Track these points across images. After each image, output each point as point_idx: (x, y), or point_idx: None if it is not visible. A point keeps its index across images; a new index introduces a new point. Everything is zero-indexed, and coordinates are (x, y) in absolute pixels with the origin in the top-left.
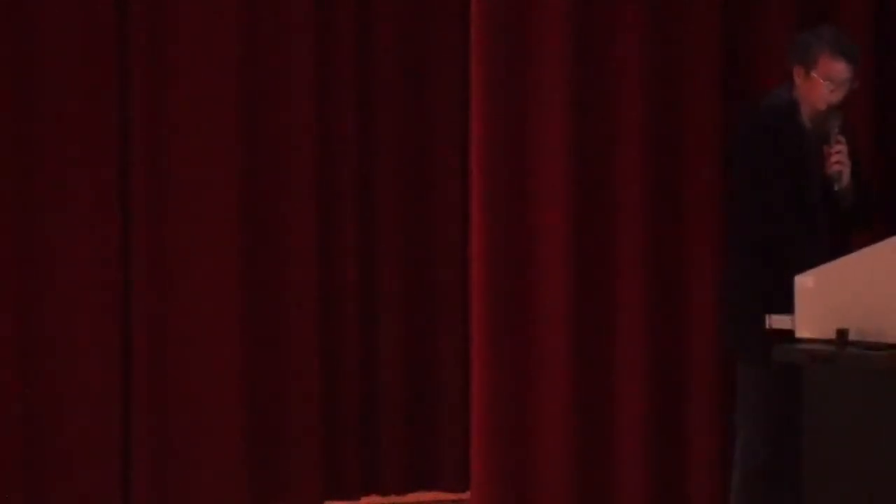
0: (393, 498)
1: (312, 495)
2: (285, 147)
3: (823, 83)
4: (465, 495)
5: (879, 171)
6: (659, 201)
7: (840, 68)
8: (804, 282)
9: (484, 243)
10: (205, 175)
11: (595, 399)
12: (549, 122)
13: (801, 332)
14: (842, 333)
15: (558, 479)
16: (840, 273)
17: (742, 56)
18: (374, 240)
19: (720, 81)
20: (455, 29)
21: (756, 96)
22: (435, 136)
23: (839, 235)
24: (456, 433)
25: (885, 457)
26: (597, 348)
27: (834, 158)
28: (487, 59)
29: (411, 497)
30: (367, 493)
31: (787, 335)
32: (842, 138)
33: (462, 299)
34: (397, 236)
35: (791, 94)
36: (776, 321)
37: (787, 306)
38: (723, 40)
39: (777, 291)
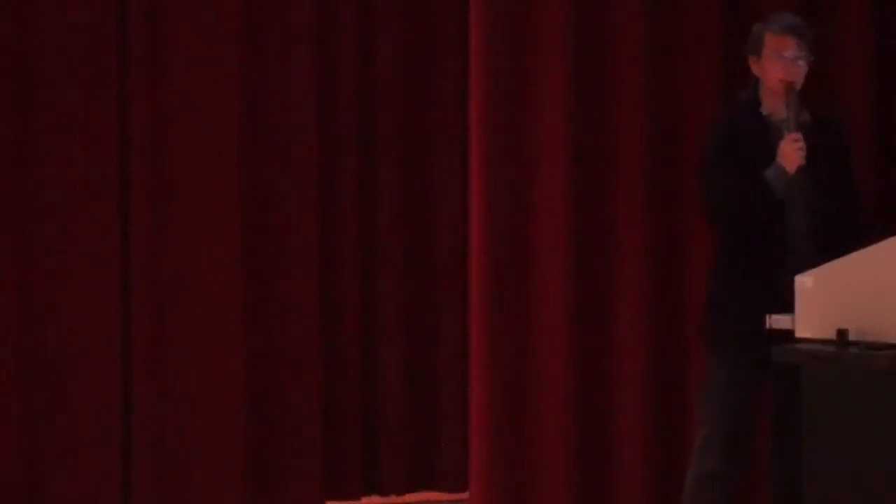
0: (393, 498)
1: (312, 495)
2: (285, 147)
3: (773, 61)
4: (465, 495)
5: (880, 171)
6: (659, 201)
7: (786, 42)
8: (804, 282)
9: (484, 243)
10: (205, 175)
11: (595, 399)
12: (549, 122)
13: (801, 332)
14: (842, 333)
15: (558, 479)
16: (840, 273)
17: (742, 55)
18: (375, 240)
19: (721, 81)
20: (455, 29)
21: None
22: (435, 136)
23: (829, 236)
24: (456, 433)
25: (885, 457)
26: (597, 348)
27: (798, 145)
28: (487, 59)
29: (411, 497)
30: (367, 494)
31: (777, 334)
32: (806, 115)
33: (462, 299)
34: (397, 236)
35: (755, 90)
36: (776, 321)
37: (753, 298)
38: (723, 39)
39: (744, 283)
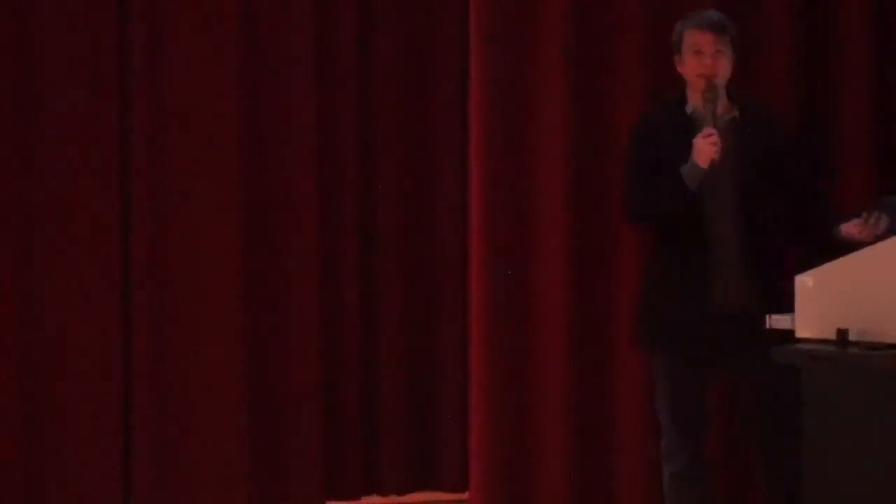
0: (393, 498)
1: (312, 495)
2: (285, 147)
3: (691, 57)
4: (465, 495)
5: (880, 171)
6: None
7: (703, 38)
8: (804, 282)
9: (483, 243)
10: (205, 175)
11: (595, 399)
12: (549, 122)
13: (801, 332)
14: (842, 333)
15: (558, 479)
16: (840, 273)
17: (741, 55)
18: (375, 240)
19: None
20: (455, 29)
21: (754, 94)
22: (435, 136)
23: (759, 234)
24: (456, 433)
25: (885, 457)
26: (596, 348)
27: (711, 140)
28: (487, 59)
29: (411, 497)
30: (368, 493)
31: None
32: (734, 113)
33: (462, 299)
34: (397, 236)
35: (683, 88)
36: (776, 321)
37: (677, 297)
38: None
39: (667, 282)
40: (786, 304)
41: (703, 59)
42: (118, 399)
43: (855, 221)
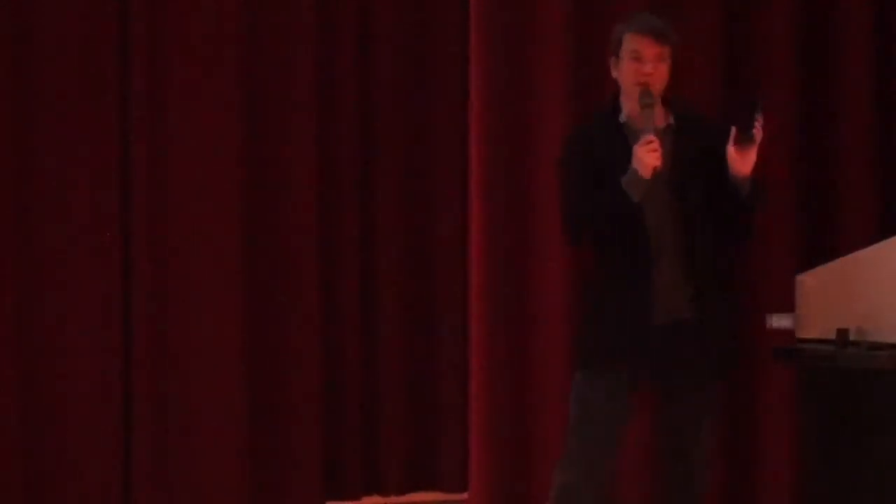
0: (393, 498)
1: (312, 495)
2: (285, 147)
3: (630, 62)
4: (465, 495)
5: (880, 171)
6: None
7: (643, 42)
8: (804, 281)
9: (483, 243)
10: (205, 175)
11: None
12: (549, 122)
13: (801, 332)
14: (842, 333)
15: None
16: (840, 273)
17: (741, 56)
18: (375, 240)
19: (719, 80)
20: (455, 29)
21: (754, 95)
22: (435, 136)
23: (698, 241)
24: (456, 433)
25: (884, 456)
26: None
27: (652, 147)
28: (487, 59)
29: (411, 497)
30: (368, 494)
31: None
32: (669, 120)
33: (462, 299)
34: (397, 236)
35: (616, 95)
36: (777, 321)
37: (617, 309)
38: (722, 39)
39: (608, 294)
40: (728, 311)
41: (642, 67)
42: (118, 399)
43: (732, 150)
